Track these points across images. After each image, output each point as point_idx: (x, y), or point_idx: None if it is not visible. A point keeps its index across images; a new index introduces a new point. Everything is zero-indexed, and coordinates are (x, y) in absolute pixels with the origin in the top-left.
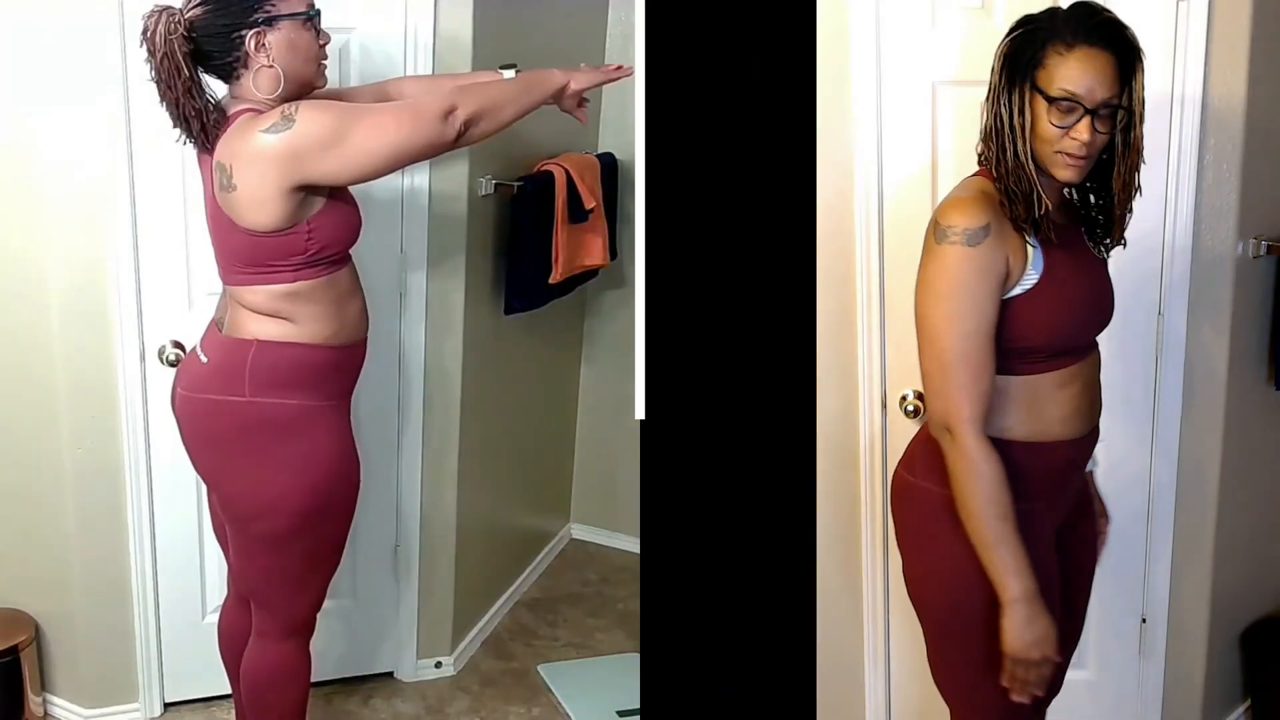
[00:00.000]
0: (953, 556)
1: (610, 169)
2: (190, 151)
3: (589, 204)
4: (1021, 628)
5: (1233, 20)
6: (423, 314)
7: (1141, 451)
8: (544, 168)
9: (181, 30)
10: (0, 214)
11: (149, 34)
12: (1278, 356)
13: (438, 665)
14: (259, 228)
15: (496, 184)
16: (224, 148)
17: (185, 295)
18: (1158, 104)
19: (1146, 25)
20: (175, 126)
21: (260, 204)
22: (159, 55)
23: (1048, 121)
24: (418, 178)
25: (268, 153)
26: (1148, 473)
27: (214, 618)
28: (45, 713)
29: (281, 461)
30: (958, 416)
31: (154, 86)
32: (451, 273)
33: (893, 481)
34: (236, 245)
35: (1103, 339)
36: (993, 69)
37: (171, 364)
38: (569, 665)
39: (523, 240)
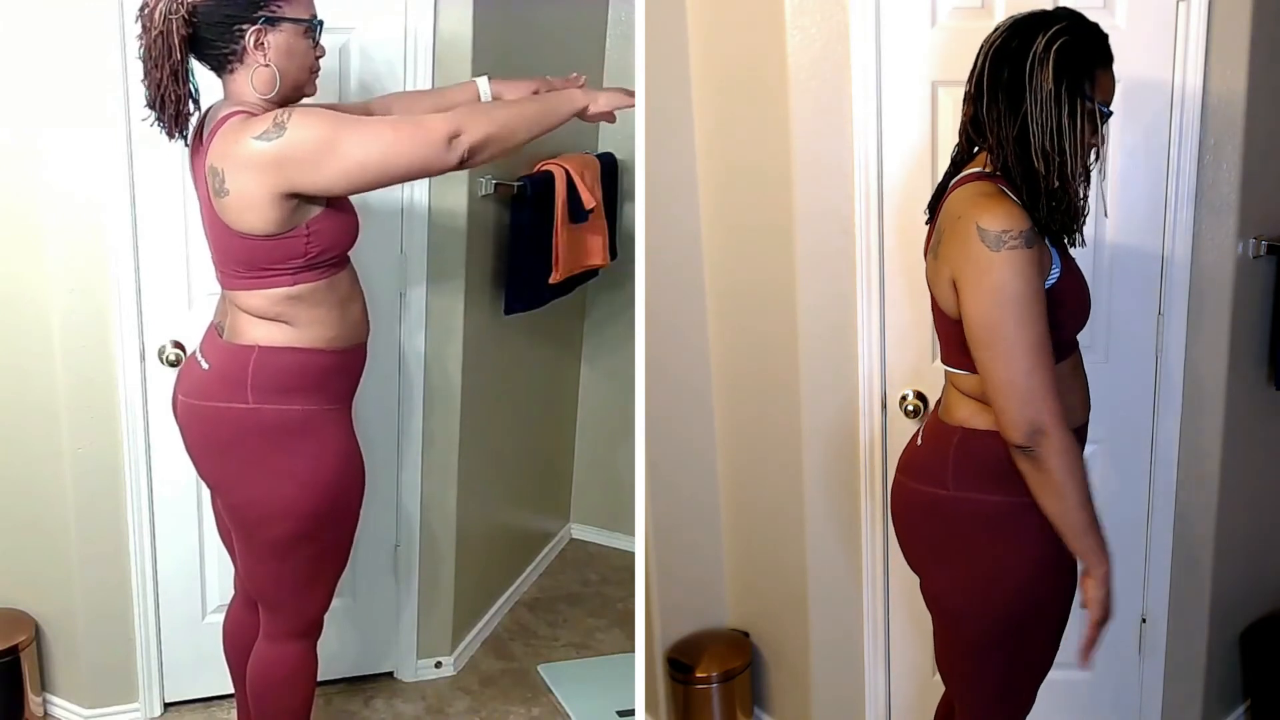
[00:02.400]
0: (1010, 562)
1: (610, 169)
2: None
3: (589, 204)
4: (1107, 595)
5: (1233, 19)
6: (423, 314)
7: (1141, 452)
8: (544, 168)
9: (183, 12)
10: (1, 213)
11: (148, 10)
12: (1278, 356)
13: (438, 665)
14: (254, 232)
15: (496, 184)
16: (216, 150)
17: (185, 295)
18: (1157, 103)
19: (1146, 24)
20: (149, 106)
21: (252, 209)
22: (154, 33)
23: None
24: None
25: (258, 160)
26: (1148, 473)
27: (214, 618)
28: (45, 713)
29: (287, 467)
30: (1052, 417)
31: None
32: (451, 273)
33: (909, 496)
34: (234, 249)
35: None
36: (1031, 79)
37: (172, 364)
38: (569, 665)
39: (523, 240)
